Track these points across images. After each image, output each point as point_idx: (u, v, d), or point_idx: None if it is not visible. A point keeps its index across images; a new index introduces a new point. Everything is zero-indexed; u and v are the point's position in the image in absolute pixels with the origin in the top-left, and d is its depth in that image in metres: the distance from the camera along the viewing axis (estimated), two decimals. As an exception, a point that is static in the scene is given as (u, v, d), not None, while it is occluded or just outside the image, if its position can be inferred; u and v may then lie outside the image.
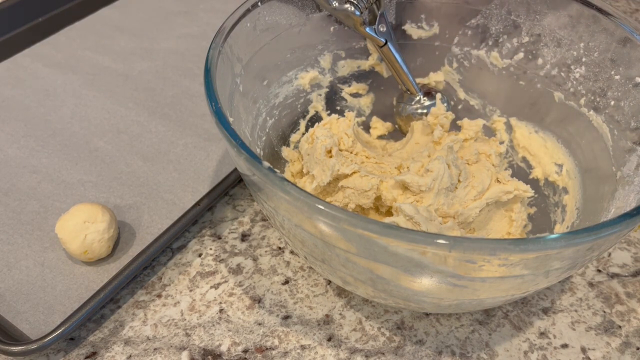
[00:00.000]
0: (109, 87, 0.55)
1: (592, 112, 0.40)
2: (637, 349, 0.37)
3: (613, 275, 0.42)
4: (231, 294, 0.40)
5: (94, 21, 0.63)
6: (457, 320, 0.39)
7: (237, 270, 0.41)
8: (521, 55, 0.44)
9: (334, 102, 0.48)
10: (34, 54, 0.58)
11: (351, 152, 0.41)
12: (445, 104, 0.45)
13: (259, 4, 0.39)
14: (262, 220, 0.45)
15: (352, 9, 0.40)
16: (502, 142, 0.45)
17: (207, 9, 0.66)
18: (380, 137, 0.48)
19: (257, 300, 0.39)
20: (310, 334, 0.38)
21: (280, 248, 0.43)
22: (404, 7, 0.45)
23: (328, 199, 0.40)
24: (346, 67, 0.47)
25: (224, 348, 0.37)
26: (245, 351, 0.37)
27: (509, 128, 0.46)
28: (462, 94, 0.48)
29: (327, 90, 0.47)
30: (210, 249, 0.43)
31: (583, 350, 0.37)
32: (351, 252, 0.29)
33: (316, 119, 0.47)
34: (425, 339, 0.38)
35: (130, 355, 0.36)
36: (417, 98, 0.46)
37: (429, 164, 0.37)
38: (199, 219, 0.44)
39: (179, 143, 0.49)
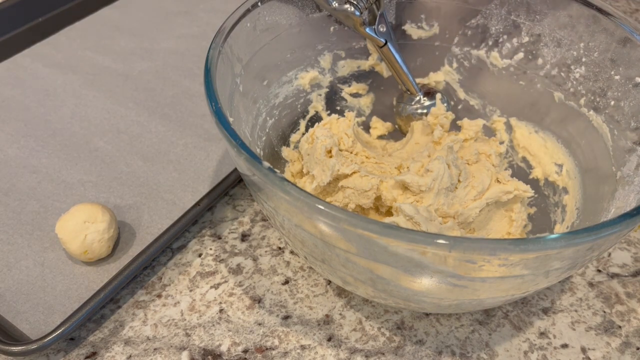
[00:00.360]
0: (109, 87, 0.55)
1: (592, 112, 0.40)
2: (637, 349, 0.37)
3: (613, 275, 0.42)
4: (231, 294, 0.40)
5: (94, 21, 0.63)
6: (457, 320, 0.39)
7: (237, 270, 0.41)
8: (521, 55, 0.44)
9: (334, 102, 0.48)
10: (34, 54, 0.58)
11: (351, 152, 0.41)
12: (445, 104, 0.45)
13: (259, 4, 0.39)
14: (262, 220, 0.45)
15: (352, 9, 0.40)
16: (502, 142, 0.46)
17: (207, 9, 0.66)
18: (380, 137, 0.48)
19: (257, 300, 0.39)
20: (310, 334, 0.38)
21: (280, 248, 0.43)
22: (404, 7, 0.45)
23: (328, 199, 0.40)
24: (346, 67, 0.47)
25: (224, 348, 0.37)
26: (245, 351, 0.37)
27: (509, 128, 0.46)
28: (462, 94, 0.48)
29: (327, 90, 0.47)
30: (210, 249, 0.43)
31: (583, 350, 0.37)
32: (351, 252, 0.29)
33: (316, 119, 0.47)
34: (425, 339, 0.38)
35: (130, 355, 0.36)
36: (417, 98, 0.46)
37: (429, 164, 0.37)
38: (199, 219, 0.44)
39: (179, 143, 0.49)
